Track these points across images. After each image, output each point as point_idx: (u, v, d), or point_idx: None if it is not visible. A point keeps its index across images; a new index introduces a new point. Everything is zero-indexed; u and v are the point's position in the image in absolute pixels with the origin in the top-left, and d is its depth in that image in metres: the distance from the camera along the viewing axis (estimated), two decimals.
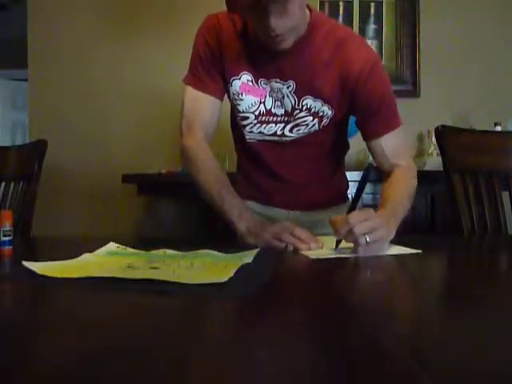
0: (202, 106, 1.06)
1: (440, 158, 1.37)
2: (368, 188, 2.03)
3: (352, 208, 0.85)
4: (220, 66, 1.03)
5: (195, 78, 1.05)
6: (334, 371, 0.31)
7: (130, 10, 2.54)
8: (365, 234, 0.77)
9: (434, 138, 2.06)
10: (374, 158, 1.07)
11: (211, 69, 1.03)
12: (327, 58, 0.98)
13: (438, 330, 0.41)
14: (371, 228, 0.78)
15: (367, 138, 1.05)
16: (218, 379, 0.30)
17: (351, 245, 0.80)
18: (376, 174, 1.08)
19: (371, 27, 2.50)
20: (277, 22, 0.85)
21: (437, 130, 1.35)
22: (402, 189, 0.99)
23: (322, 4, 2.48)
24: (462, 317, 0.46)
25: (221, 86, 1.05)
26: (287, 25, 0.86)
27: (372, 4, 2.49)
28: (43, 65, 2.57)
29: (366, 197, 2.04)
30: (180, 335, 0.39)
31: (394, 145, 1.04)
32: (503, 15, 2.49)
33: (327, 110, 1.01)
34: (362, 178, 0.85)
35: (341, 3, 2.49)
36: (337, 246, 0.82)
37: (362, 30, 2.48)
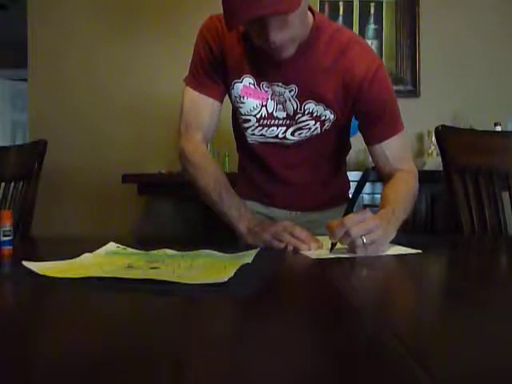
0: (202, 108, 1.05)
1: (440, 158, 1.37)
2: (368, 188, 2.04)
3: (348, 210, 0.84)
4: (221, 68, 1.02)
5: (195, 80, 1.05)
6: (333, 371, 0.31)
7: (132, 10, 2.54)
8: (361, 236, 0.76)
9: (434, 138, 2.07)
10: (375, 162, 1.06)
11: (212, 71, 1.03)
12: (330, 64, 0.97)
13: (438, 330, 0.41)
14: (368, 229, 0.77)
15: (369, 142, 1.04)
16: (218, 379, 0.30)
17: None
18: (375, 174, 1.09)
19: (371, 27, 2.50)
20: (277, 35, 0.83)
21: (437, 129, 1.35)
22: (403, 191, 0.98)
23: (322, 4, 2.48)
24: (462, 317, 0.46)
25: (221, 88, 1.05)
26: (288, 36, 0.85)
27: (372, 4, 2.49)
28: (43, 65, 2.57)
29: (366, 197, 2.04)
30: (180, 335, 0.39)
31: (396, 149, 1.03)
32: (503, 16, 2.49)
33: (329, 115, 1.01)
34: (360, 180, 0.84)
35: (341, 3, 2.49)
36: (332, 248, 0.82)
37: (362, 30, 2.49)
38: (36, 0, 2.57)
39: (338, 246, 0.81)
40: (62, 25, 2.56)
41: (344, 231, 0.76)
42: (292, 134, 1.05)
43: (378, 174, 1.09)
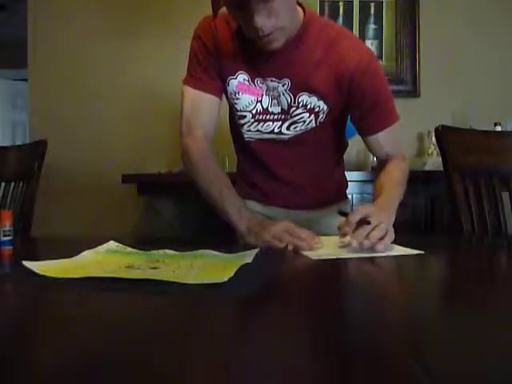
0: (202, 105, 1.06)
1: (440, 158, 1.37)
2: (367, 188, 2.03)
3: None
4: (217, 65, 1.03)
5: (193, 78, 1.06)
6: (333, 371, 0.31)
7: (131, 10, 2.54)
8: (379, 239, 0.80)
9: (434, 138, 2.06)
10: (370, 151, 1.13)
11: (209, 68, 1.04)
12: (320, 57, 0.98)
13: (439, 331, 0.41)
14: (379, 234, 0.80)
15: (364, 133, 1.08)
16: (218, 379, 0.30)
17: (349, 244, 0.80)
18: (375, 175, 1.12)
19: (371, 27, 2.50)
20: (263, 22, 0.85)
21: (437, 130, 1.35)
22: (395, 176, 1.03)
23: (322, 4, 2.48)
24: (463, 317, 0.46)
25: (219, 84, 1.06)
26: (274, 24, 0.87)
27: (372, 4, 2.49)
28: (43, 65, 2.57)
29: (366, 197, 2.04)
30: (180, 335, 0.39)
31: (389, 139, 1.07)
32: (503, 16, 2.49)
33: (323, 105, 1.02)
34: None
35: (341, 3, 2.49)
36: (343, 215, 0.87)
37: (362, 30, 2.48)
38: (36, 0, 2.57)
39: (338, 244, 0.81)
40: (62, 24, 2.56)
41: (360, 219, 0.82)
42: (287, 128, 1.05)
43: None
